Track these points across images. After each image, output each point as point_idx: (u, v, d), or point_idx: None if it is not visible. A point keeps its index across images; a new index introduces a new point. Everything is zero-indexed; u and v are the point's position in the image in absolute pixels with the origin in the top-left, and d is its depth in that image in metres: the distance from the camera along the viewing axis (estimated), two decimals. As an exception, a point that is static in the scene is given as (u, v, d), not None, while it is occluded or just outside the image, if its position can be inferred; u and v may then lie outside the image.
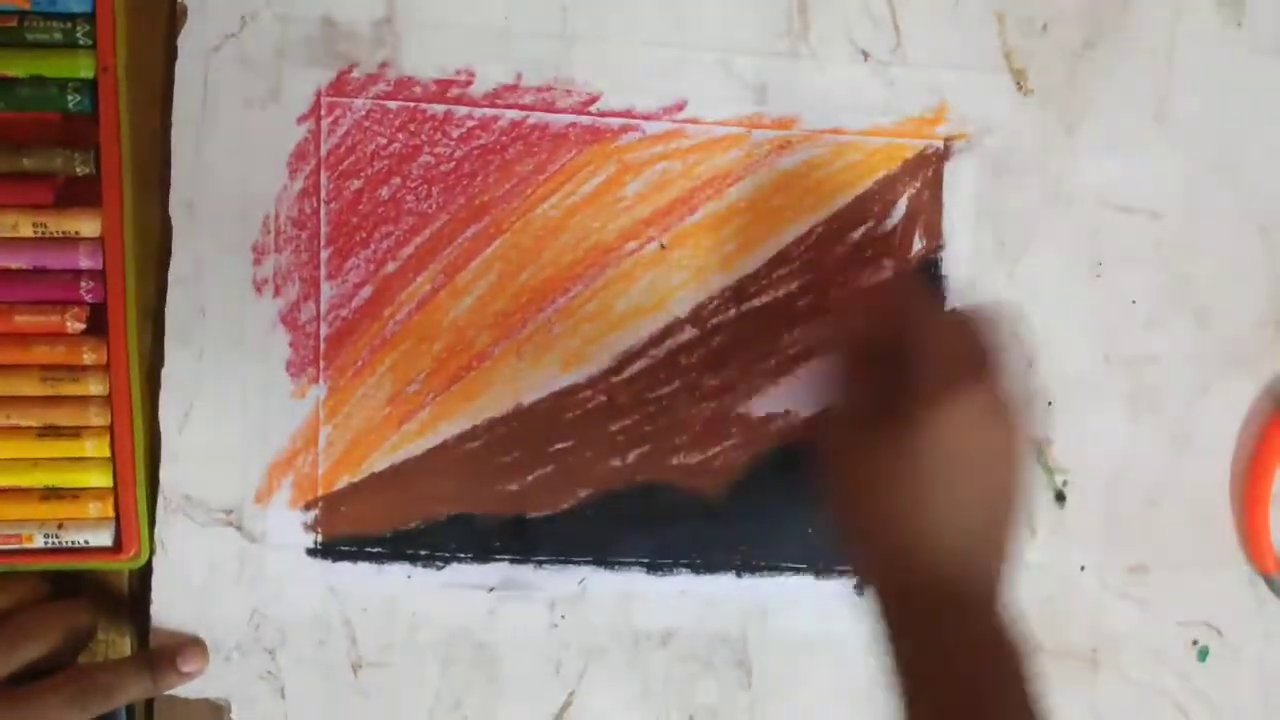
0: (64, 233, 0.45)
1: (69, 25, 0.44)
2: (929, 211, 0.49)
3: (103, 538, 0.47)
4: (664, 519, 0.49)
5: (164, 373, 0.47)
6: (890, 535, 0.41)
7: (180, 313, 0.47)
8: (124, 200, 0.45)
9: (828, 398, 0.46)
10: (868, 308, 0.48)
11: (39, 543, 0.46)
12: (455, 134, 0.47)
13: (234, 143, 0.46)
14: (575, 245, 0.48)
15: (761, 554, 0.50)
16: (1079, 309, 0.50)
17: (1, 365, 0.45)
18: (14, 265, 0.45)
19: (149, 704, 0.48)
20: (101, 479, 0.46)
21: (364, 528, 0.49)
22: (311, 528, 0.48)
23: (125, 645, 0.48)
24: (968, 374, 0.41)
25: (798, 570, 0.50)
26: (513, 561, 0.49)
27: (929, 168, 0.49)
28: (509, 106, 0.47)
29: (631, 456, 0.49)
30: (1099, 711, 0.52)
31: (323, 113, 0.46)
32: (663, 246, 0.48)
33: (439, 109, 0.47)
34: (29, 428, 0.46)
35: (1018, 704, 0.40)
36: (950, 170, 0.49)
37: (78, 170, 0.45)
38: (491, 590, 0.49)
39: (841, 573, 0.50)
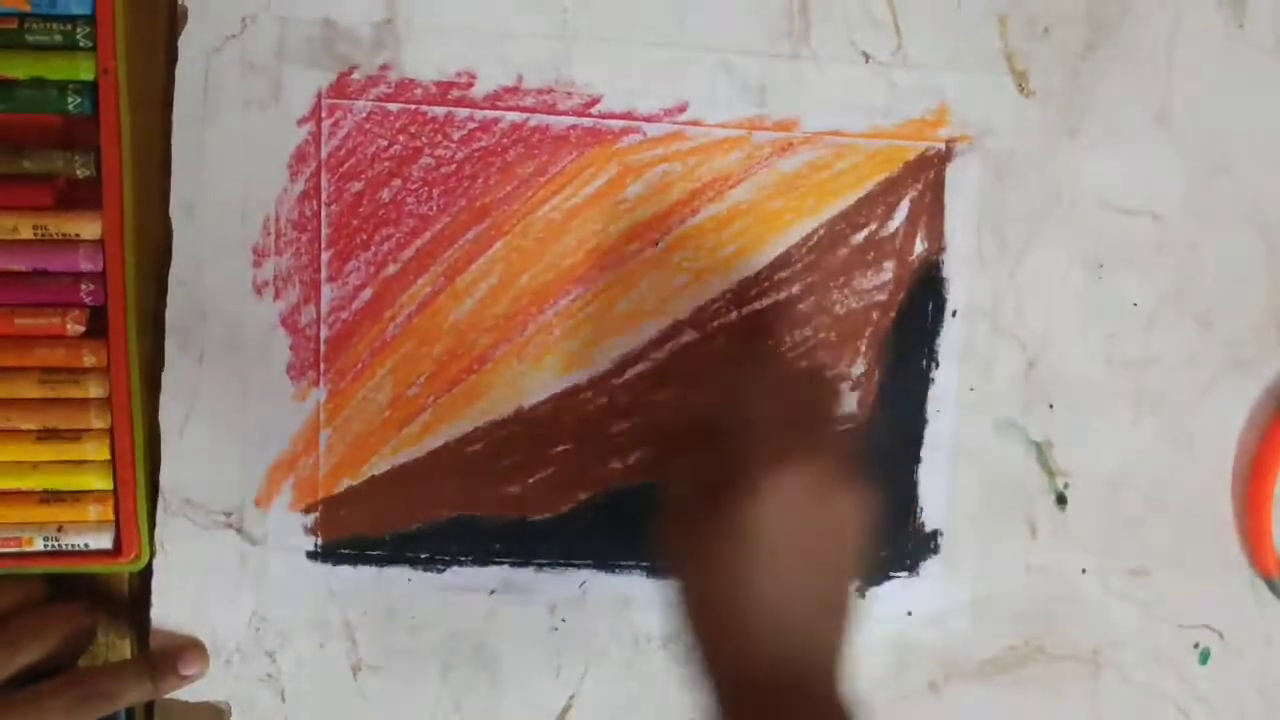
0: (64, 235, 0.45)
1: (69, 27, 0.44)
2: (930, 214, 0.49)
3: (103, 540, 0.47)
4: (665, 521, 0.49)
5: (164, 375, 0.47)
6: (726, 616, 0.40)
7: (180, 315, 0.47)
8: (124, 202, 0.45)
9: (655, 476, 0.44)
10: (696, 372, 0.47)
11: (38, 546, 0.46)
12: (456, 136, 0.47)
13: (234, 145, 0.46)
14: (576, 247, 0.48)
15: (762, 556, 0.50)
16: (1080, 311, 0.50)
17: (1, 368, 0.45)
18: (14, 268, 0.45)
19: (149, 707, 0.48)
20: (101, 482, 0.46)
21: (364, 530, 0.48)
22: (312, 530, 0.48)
23: (125, 648, 0.48)
24: (795, 447, 0.40)
25: (799, 573, 0.50)
26: (513, 564, 0.49)
27: (930, 170, 0.49)
28: (510, 108, 0.47)
29: (632, 459, 0.49)
30: (1100, 714, 0.52)
31: (323, 115, 0.46)
32: (654, 243, 0.48)
33: (440, 111, 0.47)
34: (29, 430, 0.46)
35: None
36: (952, 172, 0.49)
37: (78, 172, 0.45)
38: (492, 593, 0.49)
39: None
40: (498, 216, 0.48)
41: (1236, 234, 0.51)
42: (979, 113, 0.49)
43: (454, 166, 0.47)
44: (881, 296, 0.49)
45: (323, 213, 0.47)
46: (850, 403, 0.50)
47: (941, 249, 0.49)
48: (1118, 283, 0.50)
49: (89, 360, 0.45)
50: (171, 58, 0.46)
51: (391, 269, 0.47)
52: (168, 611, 0.48)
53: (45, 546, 0.46)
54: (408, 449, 0.48)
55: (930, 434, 0.50)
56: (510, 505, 0.49)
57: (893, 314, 0.49)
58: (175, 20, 0.45)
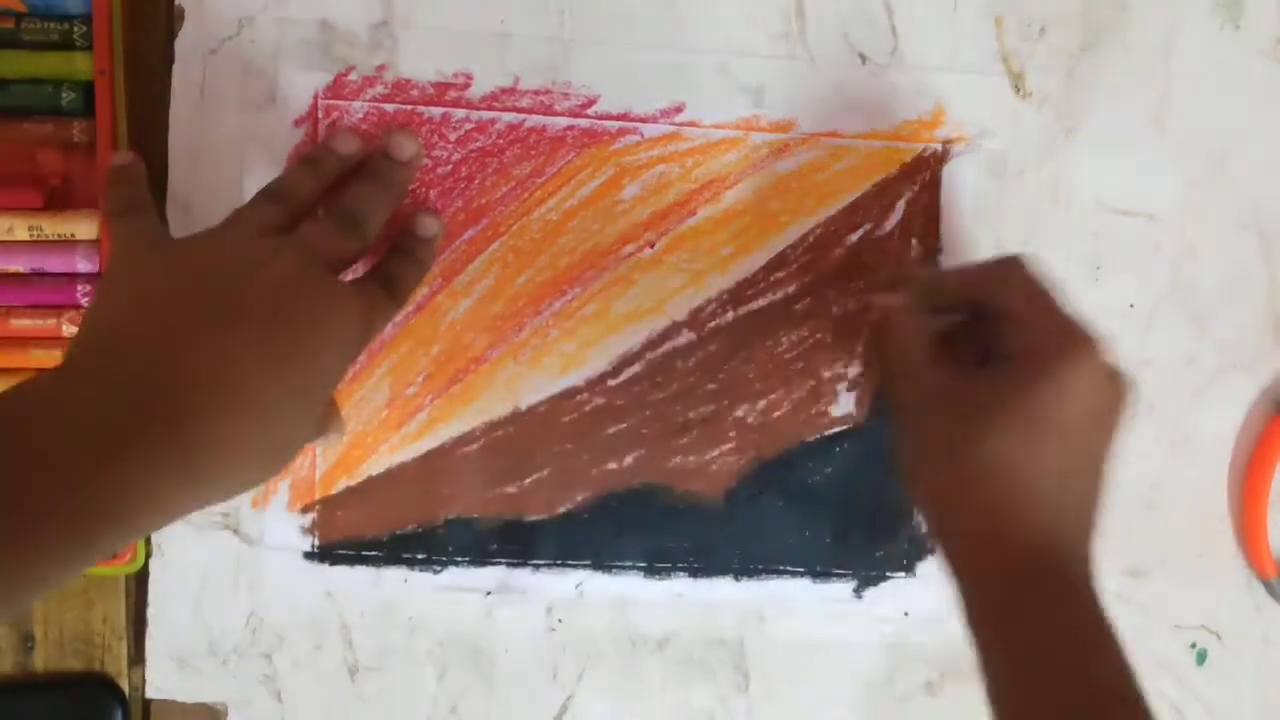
0: (60, 236, 0.45)
1: (66, 26, 0.44)
2: (927, 215, 0.49)
3: (99, 541, 0.47)
4: (661, 522, 0.49)
5: (161, 376, 0.47)
6: (979, 496, 0.40)
7: (177, 316, 0.46)
8: (121, 203, 0.45)
9: (905, 350, 0.44)
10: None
11: (35, 546, 0.46)
12: (453, 137, 0.47)
13: (231, 145, 0.46)
14: (573, 248, 0.48)
15: (759, 557, 0.50)
16: (1077, 312, 0.50)
17: (-2, 368, 0.45)
18: (10, 269, 0.45)
19: (146, 707, 0.48)
20: (98, 482, 0.46)
21: (361, 531, 0.48)
22: (309, 531, 0.48)
23: (122, 650, 0.48)
24: (1089, 340, 0.41)
25: (795, 574, 0.50)
26: (510, 565, 0.49)
27: (927, 171, 0.49)
28: (507, 109, 0.47)
29: (629, 459, 0.49)
30: (1097, 715, 0.52)
31: (320, 115, 0.46)
32: (650, 245, 0.48)
33: (436, 112, 0.47)
34: (25, 431, 0.46)
35: (1117, 685, 0.39)
36: (948, 173, 0.49)
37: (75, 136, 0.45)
38: (489, 594, 0.49)
39: (839, 576, 0.50)
40: (495, 217, 0.48)
41: (1233, 235, 0.51)
42: (975, 114, 0.49)
43: (451, 167, 0.47)
44: (878, 297, 0.49)
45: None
46: (847, 404, 0.50)
47: (938, 250, 0.49)
48: (1114, 284, 0.50)
49: (86, 361, 0.45)
50: (168, 58, 0.46)
51: (388, 270, 0.47)
52: (165, 613, 0.48)
53: (42, 547, 0.46)
54: (405, 449, 0.48)
55: (927, 435, 0.50)
56: (507, 506, 0.49)
57: (890, 315, 0.49)
58: (172, 21, 0.45)
